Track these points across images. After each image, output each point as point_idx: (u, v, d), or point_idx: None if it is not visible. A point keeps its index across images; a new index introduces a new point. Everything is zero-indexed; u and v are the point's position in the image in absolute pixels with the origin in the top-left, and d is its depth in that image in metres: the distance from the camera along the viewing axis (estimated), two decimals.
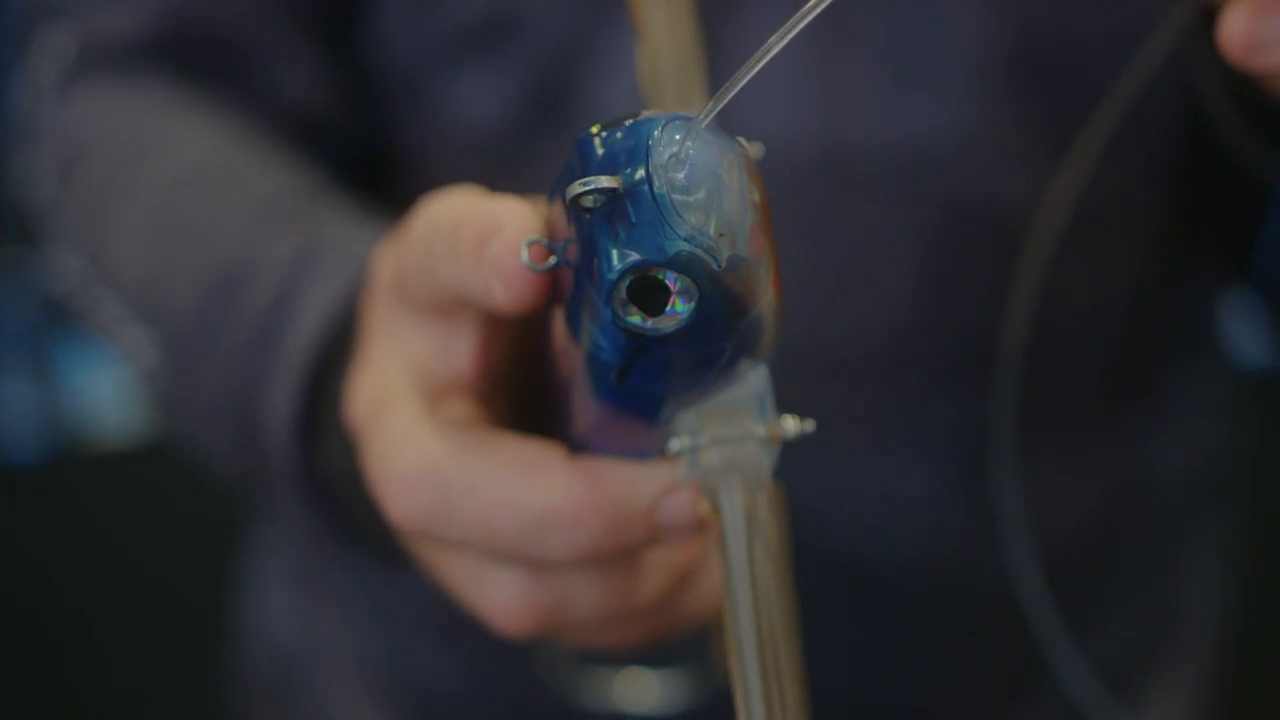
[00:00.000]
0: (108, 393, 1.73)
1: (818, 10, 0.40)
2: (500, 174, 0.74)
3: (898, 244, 0.73)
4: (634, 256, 0.40)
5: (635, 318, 0.41)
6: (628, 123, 0.41)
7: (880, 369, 0.74)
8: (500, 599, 0.50)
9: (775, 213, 0.44)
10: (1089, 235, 0.72)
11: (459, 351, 0.50)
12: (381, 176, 0.79)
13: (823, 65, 0.71)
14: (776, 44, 0.40)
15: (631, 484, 0.47)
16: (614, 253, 0.40)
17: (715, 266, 0.40)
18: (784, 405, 0.46)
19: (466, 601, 0.51)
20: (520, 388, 0.52)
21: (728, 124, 0.41)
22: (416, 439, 0.49)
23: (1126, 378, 0.81)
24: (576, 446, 0.49)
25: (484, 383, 0.51)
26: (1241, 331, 0.91)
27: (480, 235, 0.46)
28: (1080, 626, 0.82)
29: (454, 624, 0.81)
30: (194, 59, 0.75)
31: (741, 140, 0.43)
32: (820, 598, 0.66)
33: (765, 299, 0.42)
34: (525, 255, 0.43)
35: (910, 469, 0.76)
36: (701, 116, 0.40)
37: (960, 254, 0.73)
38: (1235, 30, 0.49)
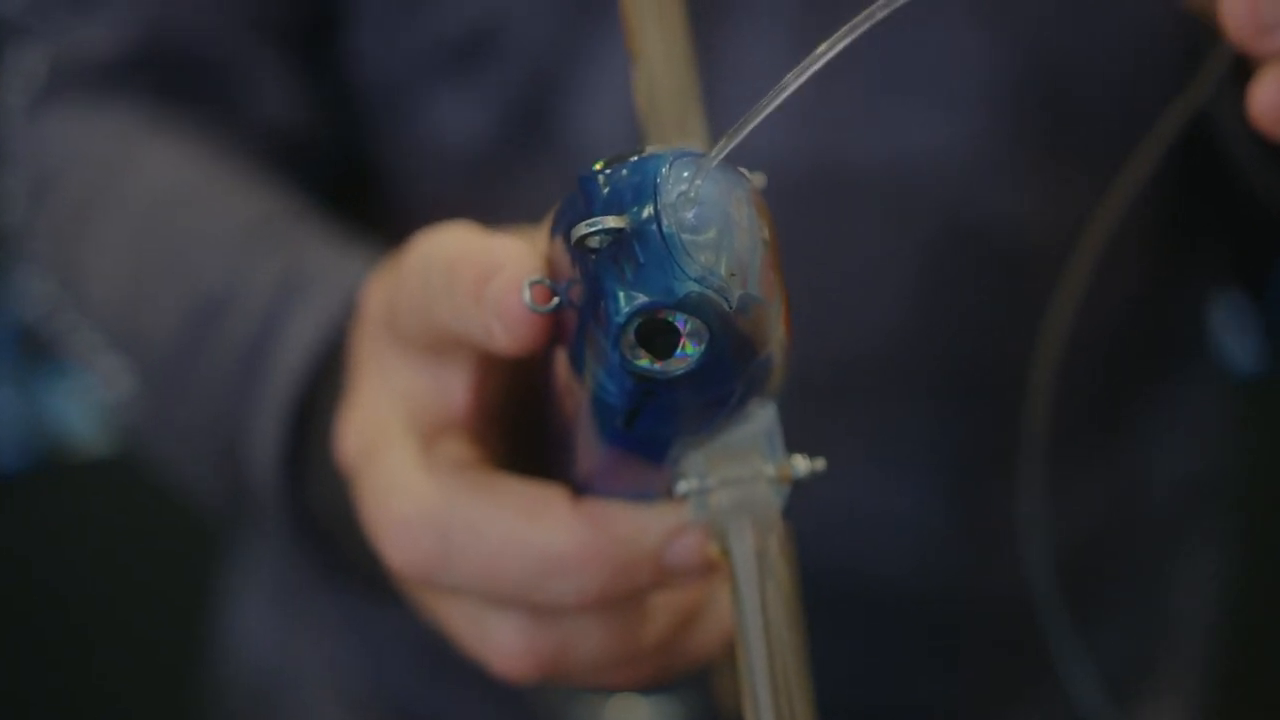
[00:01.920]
0: (91, 401, 1.72)
1: (834, 52, 0.39)
2: (483, 193, 0.73)
3: (888, 264, 0.72)
4: (642, 299, 0.38)
5: (644, 361, 0.39)
6: (633, 159, 0.39)
7: (872, 386, 0.74)
8: (502, 644, 0.49)
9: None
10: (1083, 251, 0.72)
11: (454, 390, 0.49)
12: (361, 196, 0.78)
13: (814, 84, 0.70)
14: (792, 82, 0.39)
15: (638, 527, 0.46)
16: (621, 295, 0.39)
17: (726, 308, 0.39)
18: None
19: (466, 646, 0.50)
20: (515, 427, 0.51)
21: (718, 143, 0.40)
22: (414, 482, 0.48)
23: (1122, 391, 0.80)
24: (580, 489, 0.47)
25: (479, 422, 0.50)
26: (1235, 338, 0.91)
27: (479, 275, 0.44)
28: (1079, 636, 0.81)
29: (437, 644, 0.81)
30: (169, 78, 0.73)
31: (746, 173, 0.41)
32: (813, 612, 0.65)
33: (776, 338, 0.41)
34: (528, 296, 0.42)
35: (901, 484, 0.75)
36: (713, 154, 0.39)
37: (952, 274, 0.72)
38: (1265, 101, 0.48)
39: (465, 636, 0.50)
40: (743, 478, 0.44)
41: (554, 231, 0.42)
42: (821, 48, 0.39)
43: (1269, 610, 1.36)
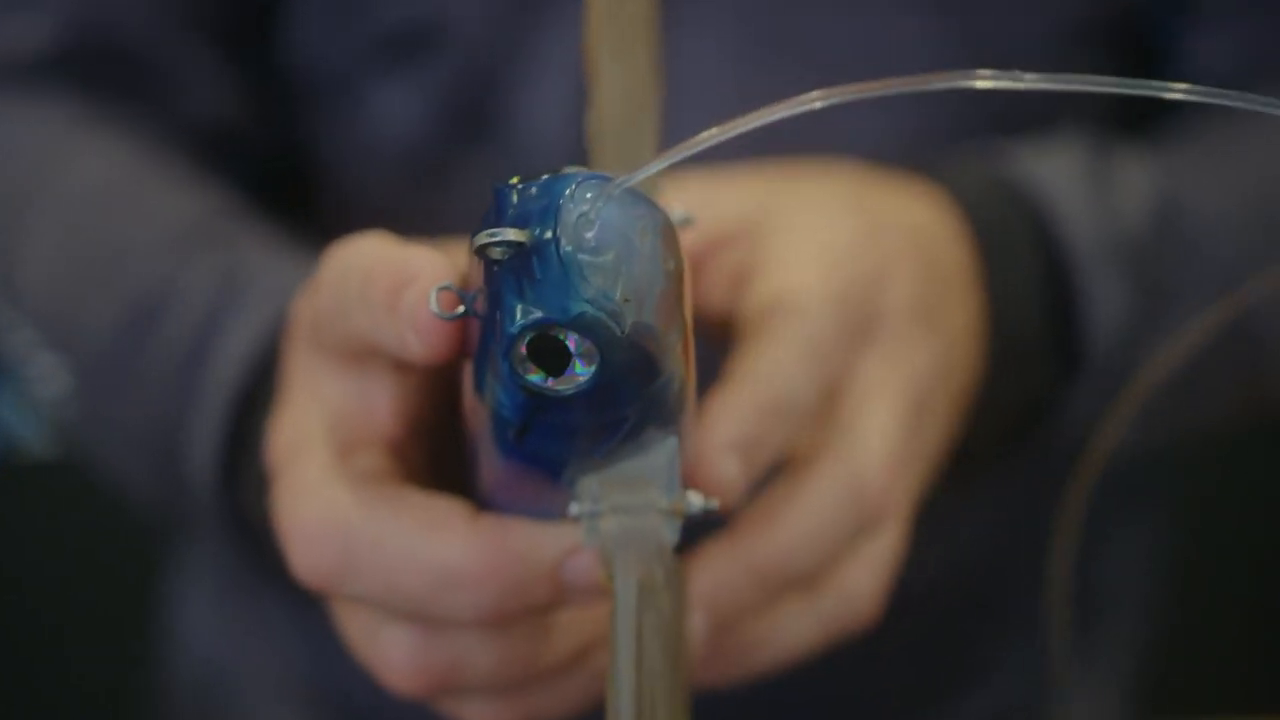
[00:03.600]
0: (37, 405, 1.71)
1: (773, 118, 0.39)
2: (422, 188, 0.74)
3: None
4: (536, 314, 0.39)
5: (535, 376, 0.40)
6: (544, 177, 0.40)
7: None
8: (392, 657, 0.49)
9: None
10: None
11: (376, 402, 0.49)
12: (298, 190, 0.78)
13: (752, 75, 0.71)
14: (719, 135, 0.39)
15: (534, 543, 0.47)
16: (517, 308, 0.39)
17: (618, 332, 0.39)
18: None
19: (361, 656, 0.50)
20: (441, 442, 0.52)
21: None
22: (323, 491, 0.48)
23: None
24: (483, 504, 0.48)
25: (402, 435, 0.50)
26: None
27: (394, 285, 0.45)
28: (1008, 625, 0.82)
29: None
30: (99, 73, 0.73)
31: (668, 208, 0.42)
32: None
33: (674, 368, 0.42)
34: (434, 302, 0.43)
35: None
36: (619, 181, 0.39)
37: None
38: None
39: (360, 647, 0.50)
40: (635, 506, 0.44)
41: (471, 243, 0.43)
42: (746, 118, 0.39)
43: (1202, 595, 1.36)
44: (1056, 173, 0.63)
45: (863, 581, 0.54)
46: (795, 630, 0.54)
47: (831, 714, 0.80)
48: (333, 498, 0.48)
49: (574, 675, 0.51)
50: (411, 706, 0.80)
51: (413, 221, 0.74)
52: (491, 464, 0.45)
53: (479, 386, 0.42)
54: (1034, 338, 0.62)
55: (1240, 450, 1.29)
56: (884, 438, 0.53)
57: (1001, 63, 0.71)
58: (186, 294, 0.63)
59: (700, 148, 0.39)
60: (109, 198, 0.69)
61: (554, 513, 0.46)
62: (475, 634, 0.49)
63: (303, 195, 0.78)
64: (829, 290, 0.54)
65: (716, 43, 0.71)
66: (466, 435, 0.47)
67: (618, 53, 0.50)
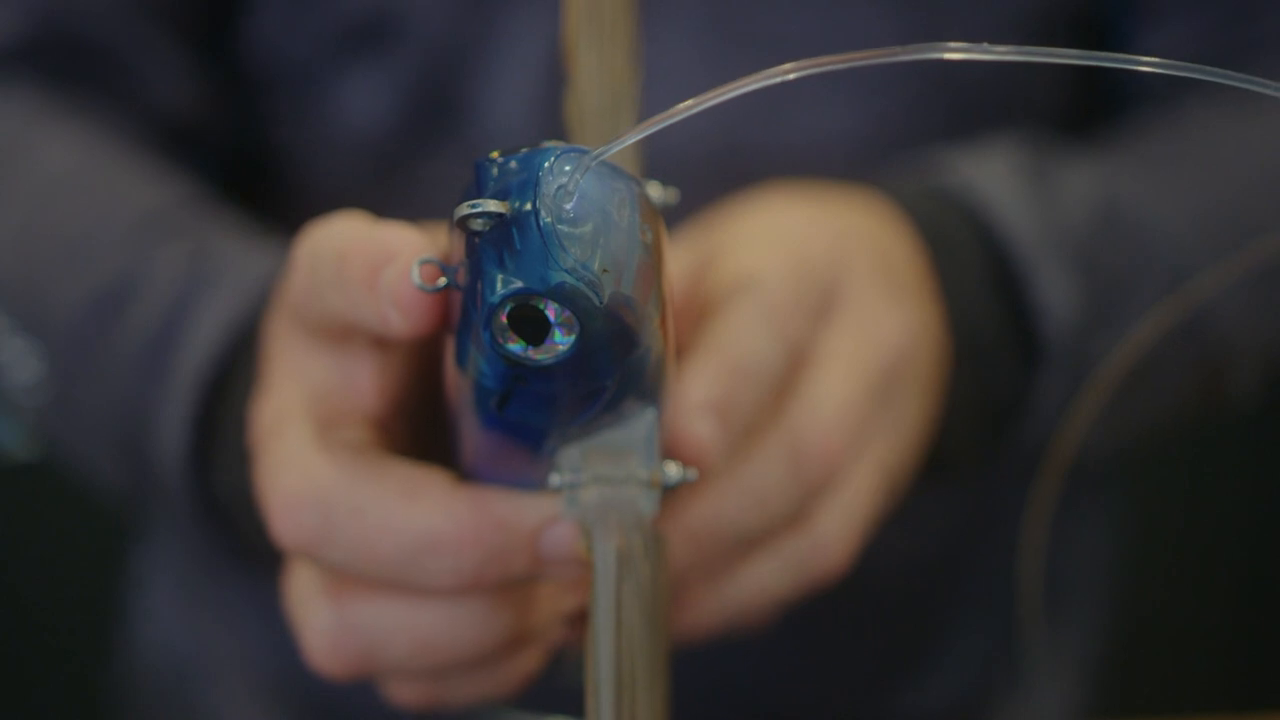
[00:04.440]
0: (9, 396, 1.70)
1: (748, 88, 0.40)
2: (386, 177, 0.74)
3: None
4: (516, 284, 0.40)
5: (515, 345, 0.41)
6: (524, 151, 0.41)
7: None
8: (312, 637, 0.50)
9: (671, 217, 0.43)
10: None
11: (358, 378, 0.50)
12: (261, 181, 0.78)
13: (718, 67, 0.71)
14: (694, 106, 0.40)
15: (514, 511, 0.47)
16: (498, 278, 0.40)
17: (597, 302, 0.40)
18: None
19: (296, 631, 0.51)
20: (425, 417, 0.52)
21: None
22: (305, 461, 0.49)
23: None
24: (465, 475, 0.48)
25: (384, 410, 0.51)
26: None
27: (371, 264, 0.46)
28: (971, 611, 0.83)
29: None
30: (61, 64, 0.74)
31: (646, 182, 0.43)
32: None
33: (652, 340, 0.42)
34: (416, 275, 0.43)
35: None
36: (595, 152, 0.40)
37: None
38: None
39: (295, 625, 0.51)
40: (615, 477, 0.45)
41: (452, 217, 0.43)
42: (722, 88, 0.40)
43: (1159, 582, 1.37)
44: (992, 173, 0.65)
45: (829, 533, 0.55)
46: (762, 585, 0.55)
47: (798, 695, 0.80)
48: (313, 466, 0.49)
49: (493, 665, 0.52)
50: (368, 695, 0.81)
51: (377, 213, 0.75)
52: (473, 436, 0.46)
53: (460, 359, 0.43)
54: (991, 332, 0.63)
55: (1196, 443, 1.30)
56: (834, 401, 0.55)
57: (965, 64, 0.72)
58: (154, 279, 0.63)
59: (676, 119, 0.39)
60: (75, 185, 0.69)
61: (533, 483, 0.47)
62: (391, 614, 0.49)
63: (267, 187, 0.78)
64: (787, 266, 0.55)
65: (685, 39, 0.72)
66: (448, 409, 0.48)
67: (596, 38, 0.51)
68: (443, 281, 0.43)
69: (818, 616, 0.74)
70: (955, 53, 0.39)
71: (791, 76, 0.39)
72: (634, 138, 0.40)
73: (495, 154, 0.41)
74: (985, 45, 0.39)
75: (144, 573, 0.92)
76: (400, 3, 0.72)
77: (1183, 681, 1.44)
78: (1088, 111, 0.78)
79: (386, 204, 0.73)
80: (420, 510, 0.47)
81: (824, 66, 0.39)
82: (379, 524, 0.47)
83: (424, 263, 0.43)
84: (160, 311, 0.63)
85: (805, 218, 0.58)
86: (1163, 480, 1.32)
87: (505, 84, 0.72)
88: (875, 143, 0.72)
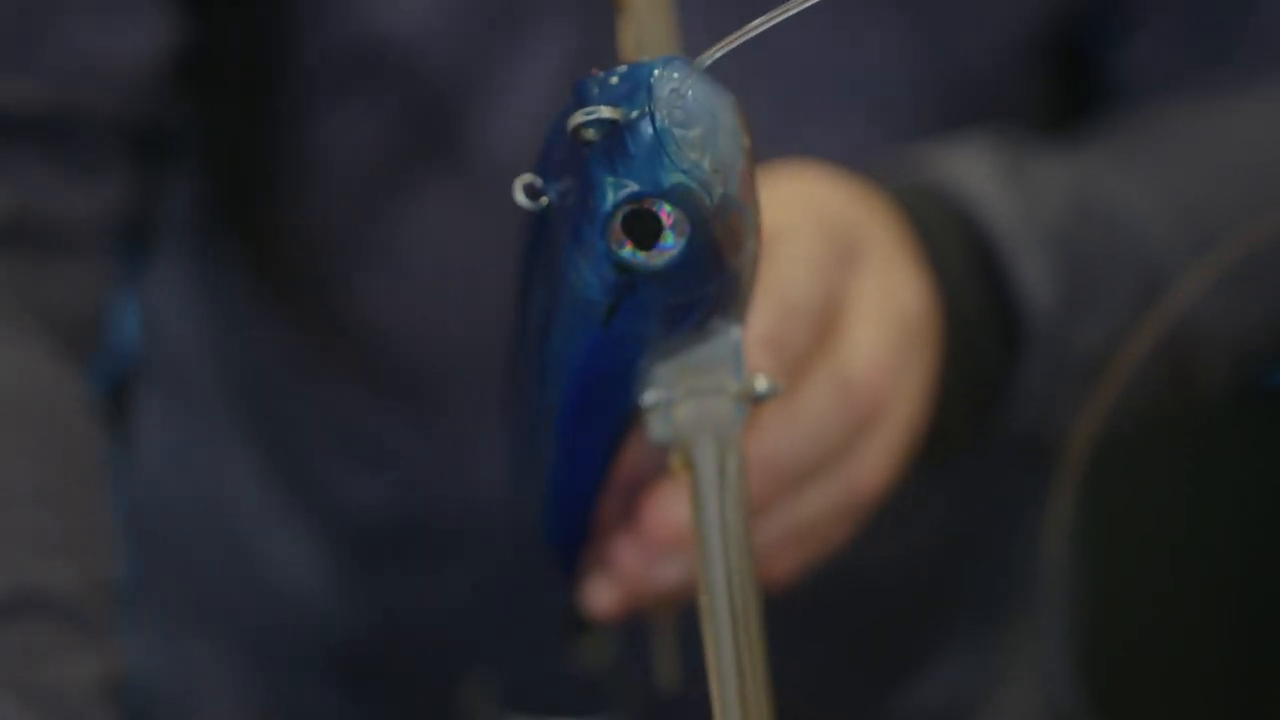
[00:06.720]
0: None
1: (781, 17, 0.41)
2: (378, 208, 0.74)
3: None
4: (631, 187, 0.40)
5: (628, 250, 0.41)
6: (624, 66, 0.41)
7: None
8: None
9: None
10: None
11: None
12: (253, 210, 0.78)
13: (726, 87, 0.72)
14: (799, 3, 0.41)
15: None
16: (610, 183, 0.40)
17: (708, 202, 0.41)
18: None
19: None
20: None
21: None
22: None
23: None
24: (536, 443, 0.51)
25: None
26: None
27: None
28: (961, 610, 0.84)
29: (346, 661, 0.80)
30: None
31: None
32: None
33: (750, 247, 0.43)
34: (520, 194, 0.43)
35: None
36: (705, 56, 0.41)
37: None
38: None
39: None
40: (707, 390, 0.45)
41: (550, 140, 0.44)
42: (760, 21, 0.41)
43: (1127, 580, 1.38)
44: (968, 165, 0.66)
45: (871, 468, 0.58)
46: (811, 520, 0.58)
47: (796, 695, 0.81)
48: None
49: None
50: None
51: (369, 245, 0.75)
52: (561, 378, 0.47)
53: (565, 277, 0.43)
54: (974, 316, 0.64)
55: (1188, 442, 1.31)
56: (873, 344, 0.58)
57: (968, 88, 0.74)
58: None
59: (778, 19, 0.41)
60: None
61: (620, 416, 0.48)
62: None
63: (259, 217, 0.78)
64: (813, 222, 0.58)
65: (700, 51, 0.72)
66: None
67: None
68: (545, 201, 0.43)
69: (814, 616, 0.75)
70: None
71: None
72: (734, 43, 0.41)
73: (595, 71, 0.42)
74: None
75: (129, 596, 0.90)
76: (398, 34, 0.72)
77: (1180, 681, 1.44)
78: (1069, 108, 0.80)
79: (378, 236, 0.73)
80: None
81: None
82: None
83: (528, 183, 0.44)
84: None
85: (822, 183, 0.61)
86: (1154, 480, 1.33)
87: (505, 117, 0.72)
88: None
